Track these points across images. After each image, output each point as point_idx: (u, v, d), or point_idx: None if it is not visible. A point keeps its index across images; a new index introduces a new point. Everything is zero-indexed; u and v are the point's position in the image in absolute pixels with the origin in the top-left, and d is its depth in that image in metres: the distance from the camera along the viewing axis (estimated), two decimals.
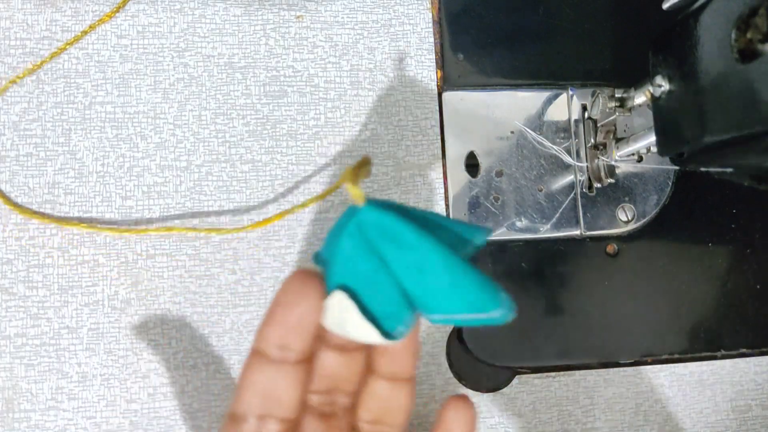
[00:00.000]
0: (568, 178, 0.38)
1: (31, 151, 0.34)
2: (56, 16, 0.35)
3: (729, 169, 0.26)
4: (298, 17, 0.37)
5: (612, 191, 0.38)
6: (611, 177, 0.37)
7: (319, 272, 0.20)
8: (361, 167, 0.20)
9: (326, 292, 0.20)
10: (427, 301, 0.19)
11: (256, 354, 0.19)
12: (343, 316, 0.19)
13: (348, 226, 0.20)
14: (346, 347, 0.21)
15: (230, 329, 0.34)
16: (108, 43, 0.35)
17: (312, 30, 0.37)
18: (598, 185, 0.37)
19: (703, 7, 0.24)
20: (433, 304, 0.19)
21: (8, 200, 0.33)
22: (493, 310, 0.19)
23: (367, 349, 0.22)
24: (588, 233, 0.37)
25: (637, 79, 0.30)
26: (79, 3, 0.35)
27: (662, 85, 0.27)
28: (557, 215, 0.37)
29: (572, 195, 0.37)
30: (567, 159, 0.38)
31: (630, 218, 0.38)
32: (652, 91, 0.28)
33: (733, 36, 0.22)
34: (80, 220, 0.33)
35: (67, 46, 0.34)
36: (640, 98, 0.30)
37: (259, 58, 0.36)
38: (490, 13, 0.39)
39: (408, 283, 0.19)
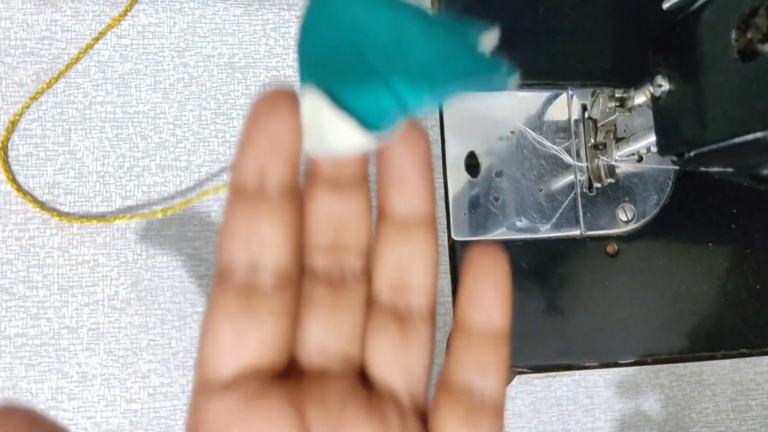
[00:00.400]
0: (568, 178, 0.38)
1: (31, 151, 0.34)
2: (56, 16, 0.35)
3: (729, 169, 0.26)
4: (298, 17, 0.37)
5: (612, 191, 0.38)
6: (611, 177, 0.37)
7: (293, 89, 0.16)
8: None
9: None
10: (412, 77, 0.16)
11: (234, 192, 0.16)
12: (319, 122, 0.16)
13: (314, 3, 0.16)
14: (341, 182, 0.17)
15: None
16: (108, 43, 0.35)
17: None
18: (598, 185, 0.37)
19: (703, 7, 0.24)
20: (419, 79, 0.16)
21: (36, 201, 0.33)
22: (492, 71, 0.16)
23: (368, 187, 0.18)
24: (588, 233, 0.37)
25: (637, 79, 0.30)
26: (79, 3, 0.35)
27: (662, 85, 0.27)
28: (557, 215, 0.37)
29: (572, 195, 0.37)
30: (567, 159, 0.38)
31: (630, 218, 0.38)
32: (652, 91, 0.28)
33: (733, 36, 0.22)
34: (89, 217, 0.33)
35: (81, 55, 0.34)
36: (640, 98, 0.30)
37: (259, 58, 0.36)
38: (490, 13, 0.39)
39: (387, 62, 0.16)
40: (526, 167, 0.38)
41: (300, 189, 0.17)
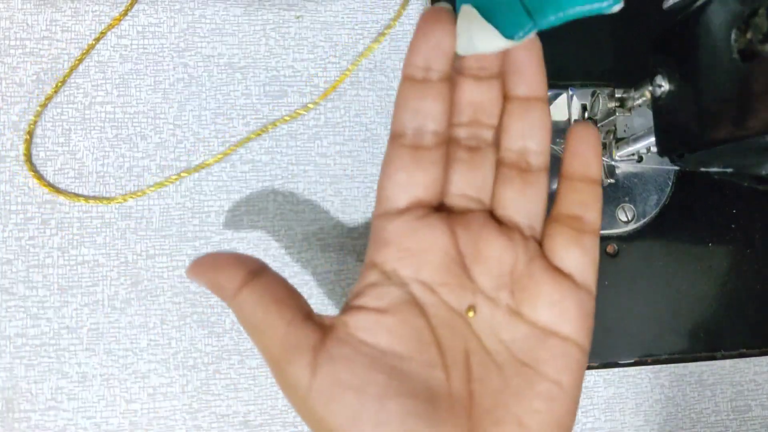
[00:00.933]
0: None
1: (31, 150, 0.34)
2: (56, 16, 0.35)
3: (729, 169, 0.26)
4: (297, 17, 0.37)
5: (612, 191, 0.38)
6: (611, 177, 0.37)
7: (449, 8, 0.22)
8: None
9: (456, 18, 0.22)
10: (542, 2, 0.21)
11: (405, 79, 0.22)
12: (469, 27, 0.21)
13: None
14: (480, 73, 0.23)
15: (230, 329, 0.34)
16: (108, 44, 0.35)
17: (312, 30, 0.37)
18: None
19: (703, 7, 0.24)
20: (547, 4, 0.21)
21: (50, 184, 0.33)
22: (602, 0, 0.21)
23: (502, 78, 0.24)
24: None
25: (637, 79, 0.30)
26: (79, 3, 0.35)
27: (662, 85, 0.27)
28: None
29: None
30: None
31: (630, 218, 0.38)
32: (652, 91, 0.28)
33: (733, 36, 0.22)
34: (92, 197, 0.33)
35: (84, 56, 0.34)
36: (640, 98, 0.30)
37: (259, 58, 0.36)
38: None
39: None
40: None
41: (452, 78, 0.22)
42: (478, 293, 0.23)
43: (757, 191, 0.39)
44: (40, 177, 0.33)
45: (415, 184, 0.22)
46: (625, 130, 0.37)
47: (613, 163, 0.36)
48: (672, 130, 0.27)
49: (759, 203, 0.39)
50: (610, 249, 0.38)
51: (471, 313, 0.23)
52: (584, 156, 0.24)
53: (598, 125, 0.37)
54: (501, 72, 0.24)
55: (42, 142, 0.34)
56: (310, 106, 0.36)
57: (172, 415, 0.33)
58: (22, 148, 0.33)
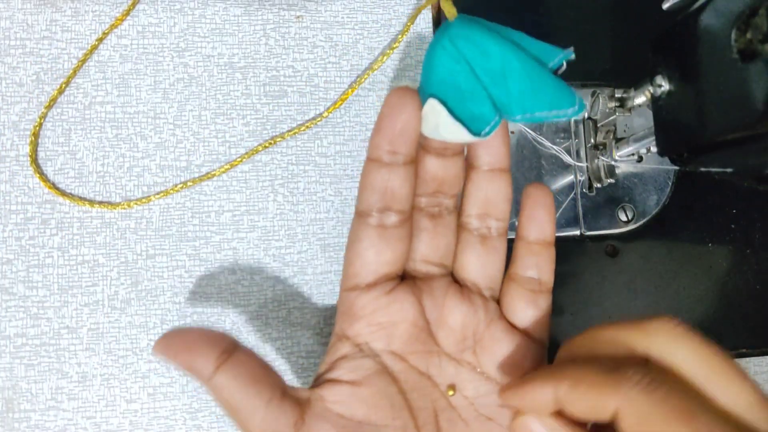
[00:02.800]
0: (568, 178, 0.38)
1: (37, 152, 0.34)
2: (56, 16, 0.35)
3: (729, 169, 0.26)
4: (297, 17, 0.37)
5: (612, 191, 0.38)
6: (611, 177, 0.37)
7: (414, 89, 0.23)
8: None
9: (422, 102, 0.23)
10: (510, 103, 0.22)
11: (371, 161, 0.23)
12: (436, 120, 0.22)
13: (441, 40, 0.22)
14: (444, 152, 0.24)
15: (230, 329, 0.34)
16: (108, 43, 0.35)
17: (312, 30, 0.37)
18: (598, 185, 0.37)
19: (703, 7, 0.24)
20: (515, 105, 0.22)
21: (58, 189, 0.33)
22: (568, 107, 0.21)
23: (463, 154, 0.25)
24: (588, 233, 0.37)
25: (637, 79, 0.30)
26: (79, 3, 0.35)
27: (662, 85, 0.27)
28: (557, 215, 0.37)
29: (572, 195, 0.37)
30: (567, 159, 0.38)
31: (630, 218, 0.38)
32: (652, 91, 0.28)
33: (733, 36, 0.22)
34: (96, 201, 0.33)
35: (87, 57, 0.34)
36: (640, 98, 0.30)
37: (259, 58, 0.36)
38: (491, 13, 0.39)
39: (493, 88, 0.22)
40: (526, 167, 0.38)
41: (416, 157, 0.24)
42: (443, 355, 0.25)
43: (757, 191, 0.39)
44: (45, 179, 0.33)
45: (382, 260, 0.24)
46: (625, 130, 0.37)
47: (613, 163, 0.36)
48: (672, 130, 0.27)
49: (759, 203, 0.39)
50: (610, 249, 0.38)
51: (451, 392, 0.24)
52: (539, 220, 0.25)
53: (598, 125, 0.37)
54: (462, 150, 0.25)
55: (42, 142, 0.34)
56: (318, 120, 0.36)
57: (172, 415, 0.33)
58: (27, 149, 0.33)
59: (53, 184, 0.33)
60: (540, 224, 0.25)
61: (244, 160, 0.35)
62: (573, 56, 0.23)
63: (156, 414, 0.33)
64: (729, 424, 0.19)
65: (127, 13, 0.35)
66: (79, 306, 0.33)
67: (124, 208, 0.34)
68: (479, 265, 0.25)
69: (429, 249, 0.25)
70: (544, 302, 0.26)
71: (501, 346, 0.25)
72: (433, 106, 0.22)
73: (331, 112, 0.36)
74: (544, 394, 0.21)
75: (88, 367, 0.32)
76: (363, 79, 0.36)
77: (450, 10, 0.23)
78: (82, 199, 0.33)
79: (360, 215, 0.24)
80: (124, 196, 0.34)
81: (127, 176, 0.34)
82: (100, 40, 0.35)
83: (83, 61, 0.35)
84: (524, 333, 0.25)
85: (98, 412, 0.32)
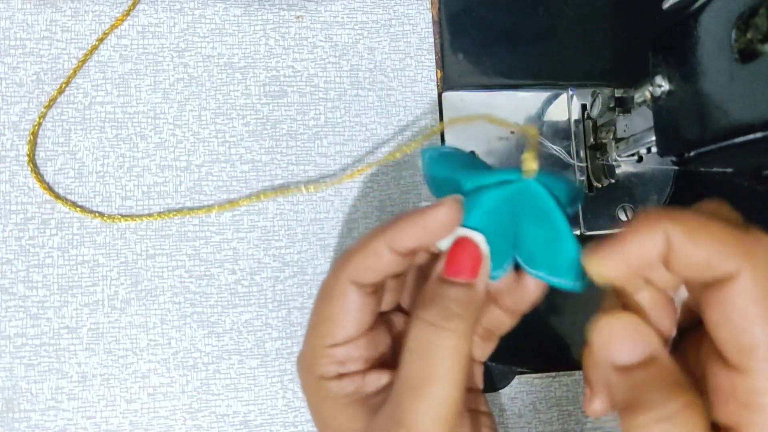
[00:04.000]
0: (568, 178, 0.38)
1: (35, 153, 0.34)
2: (56, 16, 0.35)
3: (729, 169, 0.26)
4: (297, 17, 0.37)
5: (612, 191, 0.38)
6: (611, 177, 0.36)
7: (461, 204, 0.24)
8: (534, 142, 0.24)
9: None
10: (535, 260, 0.24)
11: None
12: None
13: (509, 188, 0.24)
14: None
15: (230, 329, 0.34)
16: (108, 43, 0.35)
17: (312, 30, 0.37)
18: (598, 185, 0.37)
19: (703, 7, 0.24)
20: (539, 264, 0.25)
21: (56, 194, 0.33)
22: (577, 281, 0.24)
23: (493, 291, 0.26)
24: (588, 233, 0.37)
25: (637, 79, 0.30)
26: (79, 3, 0.35)
27: (662, 85, 0.27)
28: None
29: None
30: (567, 159, 0.37)
31: (630, 218, 0.37)
32: (652, 91, 0.28)
33: (733, 36, 0.22)
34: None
35: (87, 57, 0.34)
36: (640, 98, 0.30)
37: (259, 58, 0.36)
38: (490, 13, 0.39)
39: (528, 244, 0.24)
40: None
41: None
42: None
43: (757, 191, 0.39)
44: (41, 180, 0.33)
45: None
46: (625, 130, 0.37)
47: (613, 163, 0.36)
48: (672, 130, 0.27)
49: (759, 203, 0.39)
50: None
51: None
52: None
53: (598, 125, 0.37)
54: None
55: (42, 142, 0.34)
56: (336, 182, 0.36)
57: (172, 415, 0.33)
58: (26, 149, 0.33)
59: (48, 185, 0.33)
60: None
61: (243, 204, 0.35)
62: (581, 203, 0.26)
63: (156, 414, 0.33)
64: None
65: (128, 13, 0.35)
66: (79, 306, 0.33)
67: (115, 221, 0.34)
68: None
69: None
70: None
71: None
72: (480, 241, 0.24)
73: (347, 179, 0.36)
74: (653, 238, 0.19)
75: (88, 367, 0.32)
76: (394, 155, 0.36)
77: (531, 168, 0.24)
78: (75, 204, 0.33)
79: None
80: (124, 196, 0.34)
81: (127, 176, 0.34)
82: (101, 40, 0.35)
83: (83, 61, 0.35)
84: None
85: (98, 412, 0.32)
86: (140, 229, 0.34)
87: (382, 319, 0.27)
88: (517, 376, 0.36)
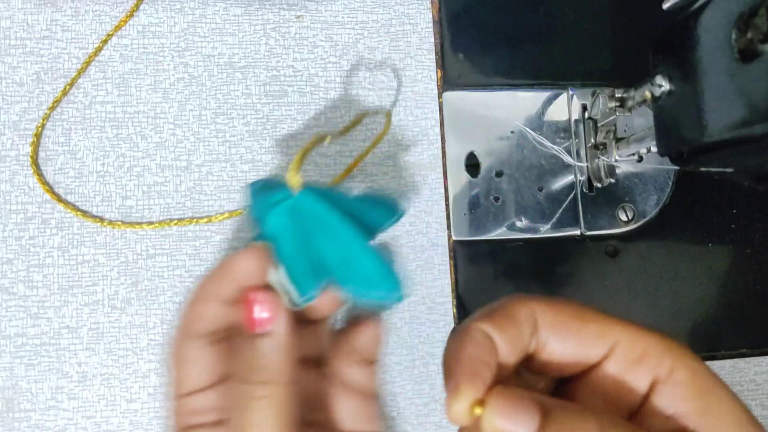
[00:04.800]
0: (568, 178, 0.38)
1: (38, 154, 0.34)
2: (56, 16, 0.35)
3: (729, 170, 0.26)
4: (298, 17, 0.37)
5: (612, 191, 0.38)
6: (611, 177, 0.37)
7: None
8: (310, 149, 0.23)
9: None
10: (343, 277, 0.24)
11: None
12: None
13: (284, 206, 0.24)
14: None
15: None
16: (108, 43, 0.35)
17: (312, 30, 0.37)
18: (598, 185, 0.37)
19: (703, 7, 0.24)
20: (348, 280, 0.24)
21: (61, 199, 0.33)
22: (390, 291, 0.23)
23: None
24: (588, 233, 0.37)
25: (637, 79, 0.30)
26: (79, 3, 0.35)
27: (662, 85, 0.27)
28: (557, 215, 0.37)
29: (572, 195, 0.37)
30: (567, 159, 0.38)
31: (630, 218, 0.38)
32: (652, 91, 0.28)
33: (733, 36, 0.22)
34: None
35: (92, 59, 0.35)
36: (640, 98, 0.30)
37: (259, 57, 0.36)
38: (490, 13, 0.39)
39: (330, 260, 0.24)
40: (526, 167, 0.38)
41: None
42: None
43: (757, 191, 0.39)
44: (44, 182, 0.33)
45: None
46: (625, 130, 0.37)
47: (613, 163, 0.36)
48: (672, 130, 0.27)
49: (759, 203, 0.39)
50: (610, 249, 0.38)
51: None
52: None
53: (598, 125, 0.37)
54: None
55: (43, 141, 0.34)
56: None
57: None
58: (29, 149, 0.33)
59: (51, 186, 0.33)
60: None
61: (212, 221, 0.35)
62: (403, 215, 0.26)
63: (156, 414, 0.33)
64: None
65: (131, 14, 0.35)
66: (79, 306, 0.33)
67: (114, 227, 0.34)
68: None
69: None
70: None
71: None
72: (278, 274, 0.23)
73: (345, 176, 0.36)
74: (524, 312, 0.20)
75: (88, 367, 0.32)
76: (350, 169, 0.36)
77: (295, 182, 0.23)
78: (75, 208, 0.33)
79: None
80: (124, 195, 0.34)
81: (128, 176, 0.34)
82: (105, 41, 0.35)
83: (87, 63, 0.35)
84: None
85: (98, 411, 0.32)
86: (140, 229, 0.34)
87: None
88: None
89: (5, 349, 0.32)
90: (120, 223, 0.34)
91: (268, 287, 0.23)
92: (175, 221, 0.34)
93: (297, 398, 0.23)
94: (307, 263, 0.24)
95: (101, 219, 0.33)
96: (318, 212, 0.24)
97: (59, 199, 0.33)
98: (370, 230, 0.25)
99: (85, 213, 0.33)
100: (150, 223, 0.34)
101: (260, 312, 0.23)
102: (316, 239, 0.24)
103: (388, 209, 0.26)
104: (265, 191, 0.25)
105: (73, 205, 0.33)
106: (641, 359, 0.20)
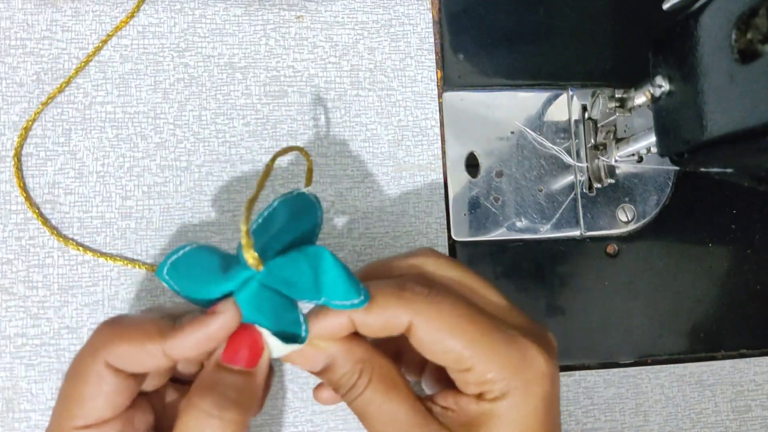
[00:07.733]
0: (568, 179, 0.38)
1: (31, 151, 0.34)
2: (56, 16, 0.35)
3: (729, 170, 0.26)
4: (298, 17, 0.37)
5: (612, 191, 0.38)
6: (611, 177, 0.37)
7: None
8: (248, 220, 0.22)
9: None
10: (311, 298, 0.24)
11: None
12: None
13: (252, 284, 0.23)
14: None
15: None
16: (108, 43, 0.35)
17: (312, 30, 0.37)
18: (598, 185, 0.37)
19: (703, 7, 0.24)
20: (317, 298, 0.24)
21: (55, 231, 0.33)
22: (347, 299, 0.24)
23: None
24: (588, 233, 0.37)
25: (637, 79, 0.30)
26: (79, 3, 0.35)
27: (662, 85, 0.27)
28: (557, 215, 0.37)
29: (572, 195, 0.37)
30: (567, 159, 0.38)
31: (630, 218, 0.38)
32: (652, 91, 0.28)
33: (733, 36, 0.22)
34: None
35: (91, 58, 0.35)
36: (640, 98, 0.30)
37: (259, 58, 0.36)
38: (490, 13, 0.39)
39: (300, 294, 0.24)
40: (526, 167, 0.38)
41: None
42: None
43: (757, 191, 0.39)
44: (20, 176, 0.33)
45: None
46: (625, 130, 0.37)
47: (613, 163, 0.36)
48: (672, 130, 0.27)
49: (759, 203, 0.39)
50: (610, 249, 0.38)
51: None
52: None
53: (598, 125, 0.37)
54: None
55: (42, 141, 0.34)
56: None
57: None
58: (15, 142, 0.33)
59: (25, 182, 0.33)
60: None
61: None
62: (322, 212, 0.26)
63: None
64: (501, 322, 0.24)
65: (132, 15, 0.35)
66: (79, 306, 0.33)
67: (109, 261, 0.33)
68: None
69: None
70: None
71: None
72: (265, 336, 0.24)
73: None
74: (339, 319, 0.23)
75: None
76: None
77: (251, 262, 0.22)
78: (60, 235, 0.33)
79: None
80: (124, 196, 0.34)
81: (128, 176, 0.34)
82: (105, 41, 0.35)
83: (86, 62, 0.35)
84: None
85: None
86: (140, 229, 0.34)
87: (145, 396, 0.26)
88: None
89: (5, 349, 0.32)
90: (96, 251, 0.34)
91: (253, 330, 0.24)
92: (140, 264, 0.34)
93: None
94: (286, 321, 0.24)
95: (104, 254, 0.33)
96: (285, 275, 0.23)
97: (31, 203, 0.33)
98: (304, 240, 0.25)
99: (67, 240, 0.33)
100: (124, 259, 0.34)
101: (249, 348, 0.23)
102: (289, 292, 0.24)
103: (308, 210, 0.27)
104: (202, 272, 0.24)
105: (52, 226, 0.33)
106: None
